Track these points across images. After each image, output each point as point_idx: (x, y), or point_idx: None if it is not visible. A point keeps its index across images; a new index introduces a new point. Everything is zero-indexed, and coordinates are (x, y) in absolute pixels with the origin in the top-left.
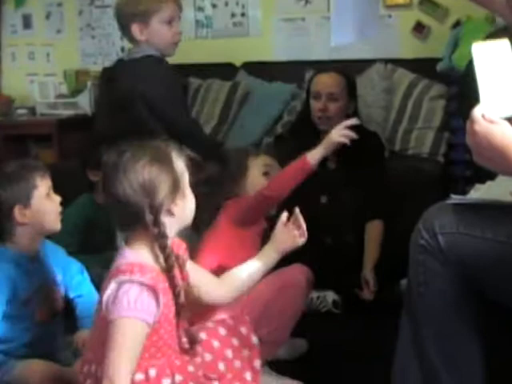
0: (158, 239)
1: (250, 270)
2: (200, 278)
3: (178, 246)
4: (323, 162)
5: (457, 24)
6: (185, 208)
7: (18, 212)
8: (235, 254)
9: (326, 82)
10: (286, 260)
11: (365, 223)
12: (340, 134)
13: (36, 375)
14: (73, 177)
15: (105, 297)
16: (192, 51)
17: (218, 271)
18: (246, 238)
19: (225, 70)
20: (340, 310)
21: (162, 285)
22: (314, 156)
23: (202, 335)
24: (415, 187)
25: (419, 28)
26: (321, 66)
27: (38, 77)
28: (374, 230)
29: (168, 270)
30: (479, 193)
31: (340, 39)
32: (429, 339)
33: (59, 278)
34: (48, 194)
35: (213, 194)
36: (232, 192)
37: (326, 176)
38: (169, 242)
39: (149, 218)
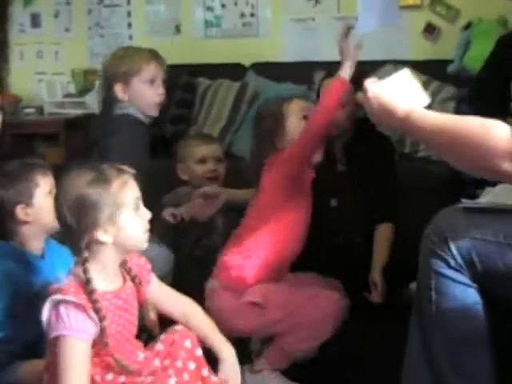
0: (84, 263)
1: None
2: (165, 296)
3: (141, 266)
4: (333, 164)
5: (468, 25)
6: (120, 236)
7: (20, 211)
8: (292, 217)
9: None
10: (296, 263)
11: (374, 226)
12: (354, 46)
13: (40, 376)
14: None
15: (44, 312)
16: (201, 51)
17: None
18: (298, 195)
19: (234, 71)
20: (348, 314)
21: (107, 303)
22: (344, 72)
23: (156, 362)
24: (425, 190)
25: (430, 29)
26: (331, 67)
27: (45, 76)
28: (383, 233)
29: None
30: (489, 196)
31: (365, 28)
32: (438, 345)
33: (64, 276)
34: (50, 191)
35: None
36: (273, 147)
37: (335, 179)
38: (95, 267)
39: (70, 239)
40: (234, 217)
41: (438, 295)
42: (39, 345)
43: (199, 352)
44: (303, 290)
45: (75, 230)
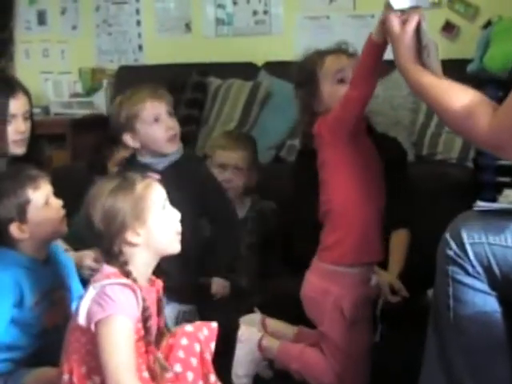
0: (122, 266)
1: None
2: None
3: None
4: None
5: (488, 24)
6: (151, 237)
7: (15, 229)
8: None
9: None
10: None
11: (389, 232)
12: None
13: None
14: (86, 178)
15: (85, 304)
16: (212, 50)
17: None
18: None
19: (246, 70)
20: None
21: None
22: (378, 33)
23: (177, 367)
24: (443, 194)
25: (448, 28)
26: None
27: (52, 75)
28: (398, 239)
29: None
30: (508, 199)
31: (399, 4)
32: (457, 353)
33: (71, 282)
34: (46, 202)
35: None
36: (314, 113)
37: None
38: (132, 270)
39: (104, 246)
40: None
41: (456, 302)
42: (47, 352)
43: (197, 347)
44: None
45: (106, 235)
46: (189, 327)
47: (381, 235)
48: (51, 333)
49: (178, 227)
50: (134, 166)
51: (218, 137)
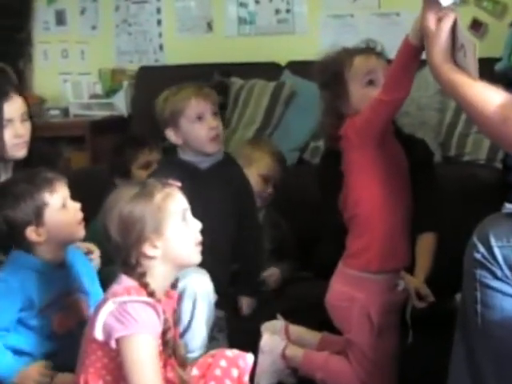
0: (139, 278)
1: None
2: None
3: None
4: None
5: None
6: (169, 250)
7: (31, 232)
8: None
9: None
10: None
11: (416, 236)
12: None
13: None
14: (106, 181)
15: (102, 317)
16: (234, 49)
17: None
18: (382, 161)
19: (269, 70)
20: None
21: None
22: (414, 35)
23: (194, 371)
24: (471, 196)
25: (476, 26)
26: None
27: (71, 76)
28: (425, 243)
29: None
30: None
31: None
32: (485, 359)
33: (86, 285)
34: (63, 205)
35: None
36: (340, 115)
37: None
38: (150, 281)
39: (121, 257)
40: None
41: (484, 308)
42: (58, 356)
43: (235, 372)
44: None
45: (122, 246)
46: (229, 352)
47: (408, 241)
48: (63, 337)
49: (199, 238)
50: (174, 163)
51: (262, 144)
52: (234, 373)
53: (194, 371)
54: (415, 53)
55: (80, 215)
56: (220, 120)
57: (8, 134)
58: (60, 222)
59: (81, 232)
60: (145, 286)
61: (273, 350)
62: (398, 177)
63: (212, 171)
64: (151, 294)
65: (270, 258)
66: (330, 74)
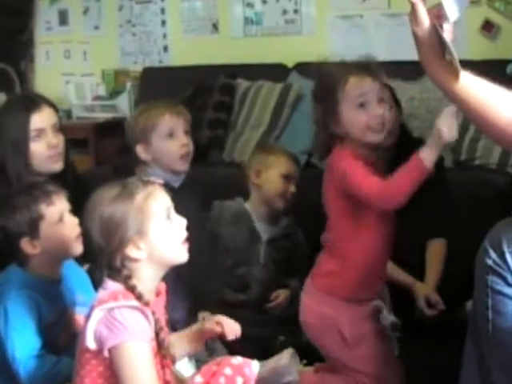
0: (125, 281)
1: None
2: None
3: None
4: None
5: None
6: (154, 250)
7: (26, 244)
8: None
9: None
10: None
11: (426, 242)
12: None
13: None
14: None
15: (91, 326)
16: (240, 50)
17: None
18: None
19: (276, 71)
20: (399, 333)
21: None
22: (428, 157)
23: (198, 378)
24: (482, 201)
25: (488, 26)
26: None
27: (73, 77)
28: (436, 249)
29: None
30: None
31: (454, 15)
32: (496, 367)
33: (81, 297)
34: (61, 218)
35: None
36: (330, 134)
37: None
38: (136, 284)
39: (105, 261)
40: (277, 248)
41: (496, 314)
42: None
43: (240, 381)
44: None
45: (106, 250)
46: (234, 360)
47: (384, 274)
48: (65, 351)
49: (184, 235)
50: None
51: (273, 148)
52: (239, 381)
53: (198, 379)
54: (427, 175)
55: (77, 230)
56: (190, 139)
57: (41, 146)
58: (56, 236)
59: (77, 248)
60: (131, 289)
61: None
62: (381, 216)
63: (184, 189)
64: (139, 297)
65: (278, 274)
66: (323, 88)
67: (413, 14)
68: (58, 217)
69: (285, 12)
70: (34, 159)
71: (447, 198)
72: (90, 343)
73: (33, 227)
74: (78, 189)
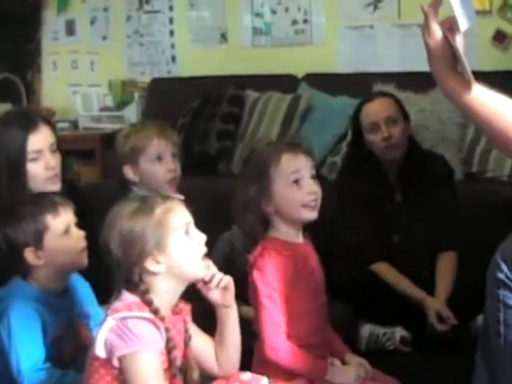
0: (142, 295)
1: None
2: (204, 346)
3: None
4: (389, 194)
5: None
6: (173, 265)
7: (29, 254)
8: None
9: (378, 107)
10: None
11: (436, 254)
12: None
13: None
14: (117, 196)
15: (102, 334)
16: (249, 61)
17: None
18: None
19: (285, 82)
20: (409, 348)
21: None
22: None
23: None
24: (494, 213)
25: (499, 37)
26: (390, 78)
27: (81, 88)
28: (446, 262)
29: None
30: None
31: (465, 25)
32: (508, 382)
33: (89, 311)
34: (66, 230)
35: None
36: (260, 212)
37: (394, 212)
38: (154, 298)
39: (123, 274)
40: None
41: (508, 329)
42: None
43: None
44: None
45: (124, 263)
46: (244, 376)
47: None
48: (69, 367)
49: (203, 250)
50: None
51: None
52: None
53: None
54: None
55: (83, 243)
56: (178, 163)
57: (39, 167)
58: (60, 248)
59: (82, 261)
60: (148, 303)
61: None
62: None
63: None
64: (155, 312)
65: None
66: (255, 168)
67: (425, 25)
68: (63, 229)
69: (294, 22)
70: (30, 181)
71: (457, 210)
72: (100, 351)
73: (37, 238)
74: (79, 205)
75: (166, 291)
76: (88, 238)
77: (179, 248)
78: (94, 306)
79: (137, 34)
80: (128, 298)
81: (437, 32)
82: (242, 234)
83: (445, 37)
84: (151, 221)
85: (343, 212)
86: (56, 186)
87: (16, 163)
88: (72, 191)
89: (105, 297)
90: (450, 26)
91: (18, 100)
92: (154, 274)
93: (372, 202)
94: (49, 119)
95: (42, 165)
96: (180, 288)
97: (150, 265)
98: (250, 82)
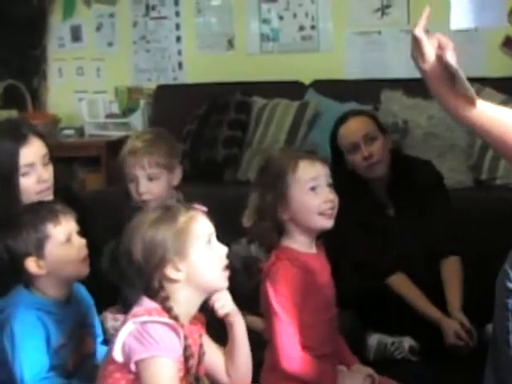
0: (162, 302)
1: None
2: (215, 358)
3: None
4: (381, 209)
5: None
6: (194, 274)
7: (30, 263)
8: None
9: (355, 127)
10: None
11: (439, 262)
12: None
13: None
14: (123, 204)
15: (121, 338)
16: (256, 67)
17: None
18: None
19: (292, 89)
20: (418, 357)
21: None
22: None
23: None
24: (503, 221)
25: (509, 43)
26: (398, 85)
27: (86, 94)
28: (451, 267)
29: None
30: None
31: (459, 24)
32: None
33: (93, 319)
34: (68, 239)
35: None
36: (276, 219)
37: (389, 227)
38: (173, 306)
39: (143, 281)
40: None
41: None
42: None
43: None
44: None
45: (145, 270)
46: None
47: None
48: (73, 376)
49: (224, 262)
50: (128, 206)
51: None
52: None
53: None
54: None
55: (85, 252)
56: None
57: (31, 181)
58: (62, 257)
59: (84, 269)
60: (168, 310)
61: None
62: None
63: None
64: (175, 319)
65: None
66: (272, 175)
67: (417, 51)
68: (64, 237)
69: (302, 28)
70: (23, 195)
71: (452, 213)
72: (117, 355)
73: (39, 247)
74: (77, 212)
75: (185, 300)
76: (87, 245)
77: (200, 257)
78: (95, 317)
79: (143, 40)
80: (148, 303)
81: (431, 55)
82: (247, 250)
83: (439, 57)
84: (174, 228)
85: (342, 235)
86: (48, 199)
87: (8, 177)
88: (69, 198)
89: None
90: (439, 44)
91: (24, 107)
92: (173, 281)
93: (366, 222)
94: (39, 131)
95: (34, 178)
96: (199, 299)
97: (170, 272)
98: (257, 89)
